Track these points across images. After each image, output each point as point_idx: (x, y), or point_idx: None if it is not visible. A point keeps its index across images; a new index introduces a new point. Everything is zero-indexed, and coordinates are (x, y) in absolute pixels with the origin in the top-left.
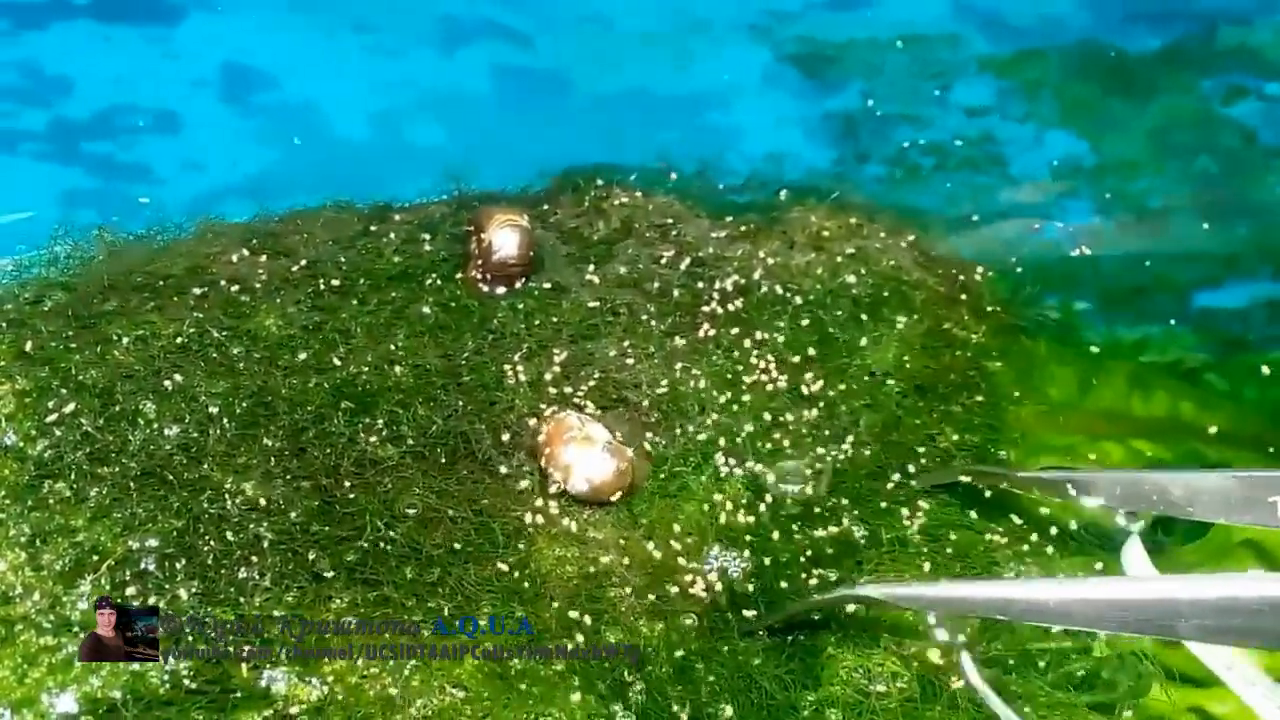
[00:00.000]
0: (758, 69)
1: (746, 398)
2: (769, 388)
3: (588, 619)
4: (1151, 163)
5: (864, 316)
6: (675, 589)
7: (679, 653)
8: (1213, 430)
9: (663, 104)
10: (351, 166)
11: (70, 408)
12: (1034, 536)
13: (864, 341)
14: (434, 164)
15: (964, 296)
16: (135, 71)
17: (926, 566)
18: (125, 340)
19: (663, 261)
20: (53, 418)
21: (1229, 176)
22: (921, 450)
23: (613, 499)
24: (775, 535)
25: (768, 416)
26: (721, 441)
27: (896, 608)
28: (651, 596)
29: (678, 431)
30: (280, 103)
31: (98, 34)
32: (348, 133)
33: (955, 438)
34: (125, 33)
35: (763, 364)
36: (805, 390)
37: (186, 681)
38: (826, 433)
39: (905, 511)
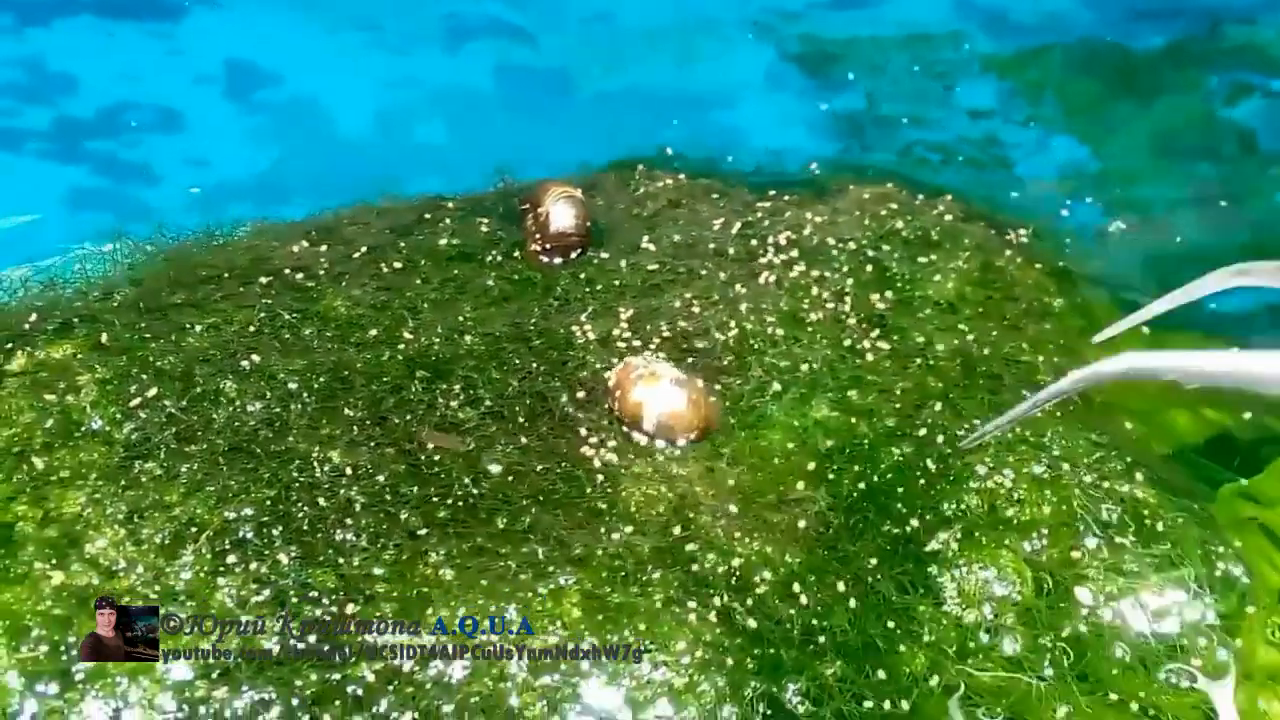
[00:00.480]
0: (761, 68)
1: (816, 332)
2: (837, 321)
3: (690, 545)
4: (1155, 163)
5: (919, 258)
6: (771, 512)
7: (782, 569)
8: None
9: (666, 102)
10: (356, 164)
11: (152, 392)
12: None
13: (923, 276)
14: (438, 161)
15: (1010, 238)
16: (139, 68)
17: (1038, 468)
18: (198, 328)
19: (715, 227)
20: (136, 402)
21: (1232, 178)
22: (1005, 370)
23: (691, 434)
24: (877, 451)
25: (845, 343)
26: (799, 370)
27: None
28: (747, 518)
29: (752, 370)
30: (284, 100)
31: (101, 30)
32: (351, 130)
33: (1040, 358)
34: (129, 29)
35: (828, 300)
36: (874, 320)
37: (295, 642)
38: (903, 356)
39: None
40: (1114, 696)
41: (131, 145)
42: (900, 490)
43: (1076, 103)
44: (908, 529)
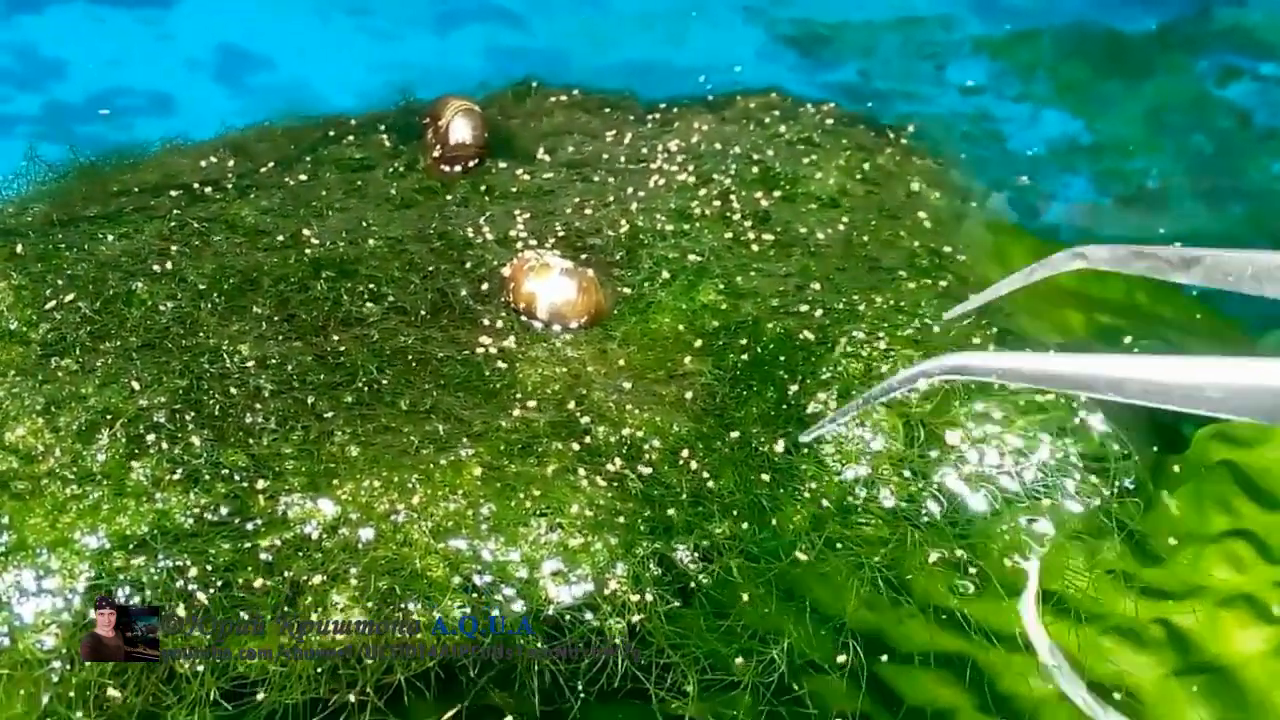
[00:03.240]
0: (752, 49)
1: (704, 227)
2: (724, 217)
3: (584, 419)
4: (1147, 143)
5: (803, 159)
6: (660, 386)
7: (671, 438)
8: (1168, 315)
9: (657, 84)
10: None
11: (68, 296)
12: None
13: (806, 175)
14: None
15: (891, 136)
16: (129, 53)
17: (909, 331)
18: (110, 237)
19: (607, 139)
20: (51, 305)
21: (1224, 156)
22: (883, 252)
23: (583, 319)
24: (760, 327)
25: (728, 235)
26: (687, 260)
27: (990, 381)
28: (637, 392)
29: (643, 262)
30: (275, 84)
31: (92, 16)
32: (342, 113)
33: (916, 244)
34: (119, 15)
35: (715, 199)
36: (759, 215)
37: (208, 515)
38: (786, 245)
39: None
40: (980, 540)
41: (123, 129)
42: (782, 359)
43: (1068, 82)
44: (789, 393)
